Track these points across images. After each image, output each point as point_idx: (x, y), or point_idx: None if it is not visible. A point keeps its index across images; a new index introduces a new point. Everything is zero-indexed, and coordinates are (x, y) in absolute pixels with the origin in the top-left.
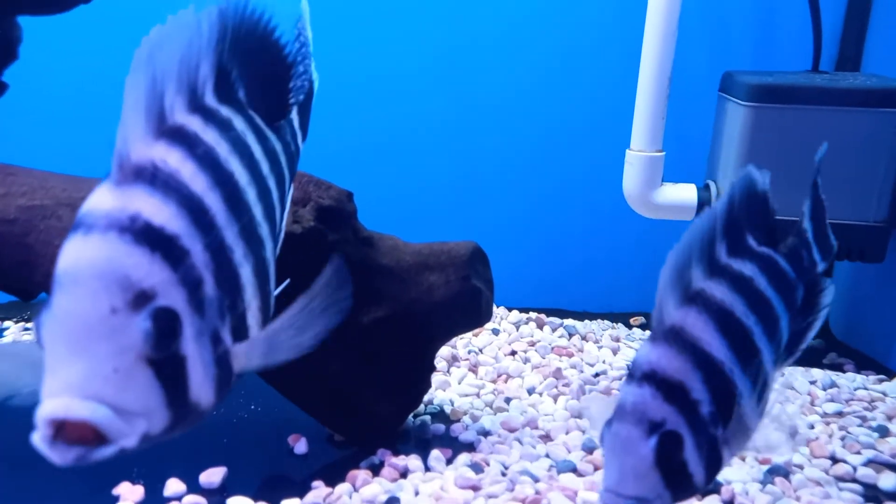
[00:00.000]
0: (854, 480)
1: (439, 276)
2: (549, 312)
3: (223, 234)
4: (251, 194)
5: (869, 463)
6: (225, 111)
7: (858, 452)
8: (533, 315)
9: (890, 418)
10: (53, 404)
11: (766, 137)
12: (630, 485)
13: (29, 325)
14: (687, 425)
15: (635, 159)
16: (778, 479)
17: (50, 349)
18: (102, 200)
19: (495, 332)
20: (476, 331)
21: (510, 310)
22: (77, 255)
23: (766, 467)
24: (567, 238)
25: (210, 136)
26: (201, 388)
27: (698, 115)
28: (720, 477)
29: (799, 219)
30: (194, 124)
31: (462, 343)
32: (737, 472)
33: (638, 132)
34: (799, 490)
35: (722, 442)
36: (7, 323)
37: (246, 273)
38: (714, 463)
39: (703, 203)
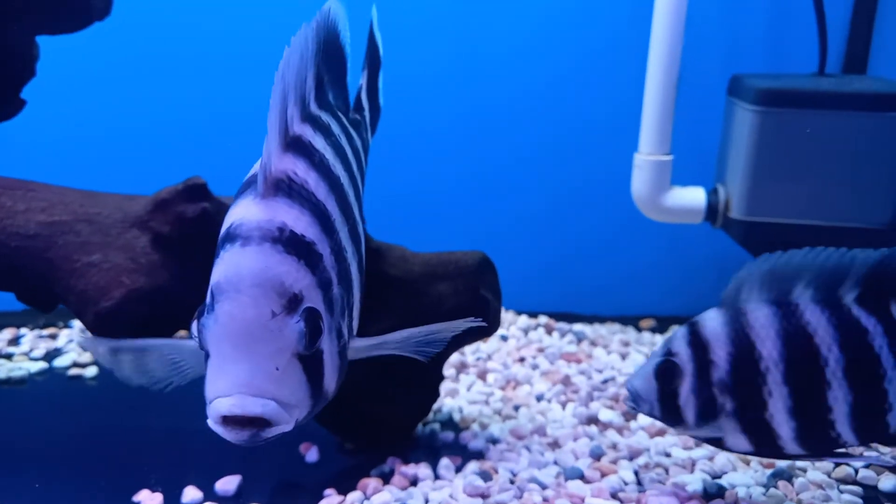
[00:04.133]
0: (855, 482)
1: (448, 286)
2: (559, 316)
3: (340, 237)
4: (352, 195)
5: (870, 465)
6: (324, 117)
7: (861, 454)
8: (542, 320)
9: None
10: (229, 402)
11: (773, 141)
12: (637, 381)
13: (44, 331)
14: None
15: (644, 163)
16: (781, 483)
17: (216, 351)
18: (252, 213)
19: (504, 338)
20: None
21: (519, 314)
22: (237, 265)
23: (770, 471)
24: (576, 241)
25: (319, 144)
26: (331, 378)
27: (708, 118)
28: (724, 481)
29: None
30: (308, 133)
31: (470, 350)
32: (741, 476)
33: (646, 136)
34: (801, 493)
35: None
36: (24, 330)
37: (354, 270)
38: (681, 416)
39: (711, 206)
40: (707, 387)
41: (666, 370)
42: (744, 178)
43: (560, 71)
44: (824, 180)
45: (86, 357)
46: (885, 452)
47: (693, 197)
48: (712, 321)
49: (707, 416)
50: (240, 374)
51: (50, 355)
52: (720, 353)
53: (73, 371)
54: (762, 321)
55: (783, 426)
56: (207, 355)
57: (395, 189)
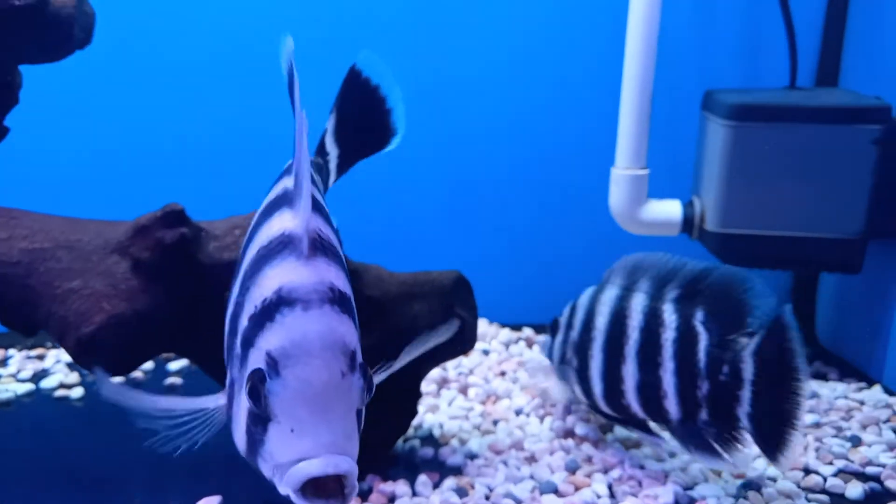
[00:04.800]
0: (823, 491)
1: (423, 305)
2: (541, 329)
3: (348, 282)
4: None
5: (839, 473)
6: None
7: (831, 463)
8: (525, 333)
9: (864, 427)
10: (320, 463)
11: (745, 155)
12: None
13: (32, 352)
14: (563, 333)
15: (620, 177)
16: (751, 493)
17: (289, 415)
18: (302, 275)
19: (485, 352)
20: None
21: (502, 327)
22: (304, 330)
23: (740, 481)
24: (557, 254)
25: (317, 194)
26: (363, 424)
27: (683, 132)
28: (695, 493)
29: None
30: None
31: (452, 365)
32: (712, 488)
33: (622, 151)
34: (770, 503)
35: None
36: (11, 351)
37: None
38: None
39: (687, 219)
40: (565, 343)
41: (552, 326)
42: (718, 191)
43: (538, 86)
44: (796, 192)
45: (72, 378)
46: (853, 461)
47: (669, 210)
48: (584, 294)
49: (561, 368)
50: (322, 435)
51: (37, 376)
52: (577, 318)
53: (60, 392)
54: (604, 299)
55: (596, 385)
56: (267, 420)
57: (375, 205)
